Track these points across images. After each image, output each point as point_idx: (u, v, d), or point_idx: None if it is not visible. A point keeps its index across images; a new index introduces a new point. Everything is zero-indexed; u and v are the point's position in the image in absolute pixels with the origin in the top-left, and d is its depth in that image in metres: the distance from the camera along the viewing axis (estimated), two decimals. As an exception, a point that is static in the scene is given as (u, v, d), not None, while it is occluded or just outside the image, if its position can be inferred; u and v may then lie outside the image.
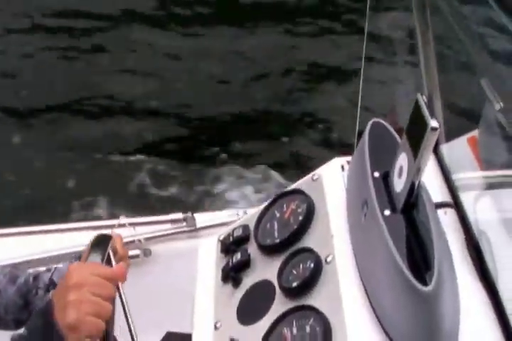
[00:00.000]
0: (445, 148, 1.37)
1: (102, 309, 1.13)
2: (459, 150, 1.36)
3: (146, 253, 2.02)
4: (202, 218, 2.03)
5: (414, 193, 1.11)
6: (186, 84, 4.18)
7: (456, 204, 1.25)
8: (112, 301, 1.19)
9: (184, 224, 2.02)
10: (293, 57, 4.37)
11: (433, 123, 1.05)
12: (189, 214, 2.02)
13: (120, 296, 1.35)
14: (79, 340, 1.12)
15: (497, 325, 1.07)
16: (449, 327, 1.02)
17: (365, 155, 1.21)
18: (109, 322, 1.21)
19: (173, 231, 2.02)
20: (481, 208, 1.27)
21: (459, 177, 1.31)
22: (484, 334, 1.06)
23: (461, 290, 1.08)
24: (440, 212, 1.22)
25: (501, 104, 1.21)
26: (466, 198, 1.27)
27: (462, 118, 1.45)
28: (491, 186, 1.36)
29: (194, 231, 2.00)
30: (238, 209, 2.02)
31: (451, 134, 1.41)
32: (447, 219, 1.22)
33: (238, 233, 1.39)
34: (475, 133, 1.39)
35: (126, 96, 4.16)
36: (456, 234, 1.20)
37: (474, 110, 1.38)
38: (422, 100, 1.10)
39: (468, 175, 1.34)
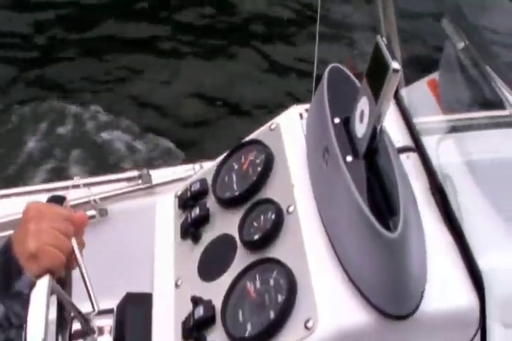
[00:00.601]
0: (405, 92, 1.32)
1: (61, 243, 1.14)
2: (419, 93, 1.32)
3: (102, 213, 1.97)
4: (158, 174, 1.98)
5: (377, 138, 1.07)
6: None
7: (419, 148, 1.21)
8: (71, 246, 1.17)
9: (140, 181, 1.96)
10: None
11: (394, 65, 1.01)
12: (144, 170, 1.96)
13: (76, 257, 1.32)
14: (39, 272, 1.09)
15: (463, 266, 1.05)
16: (417, 271, 1.00)
17: (324, 100, 1.17)
18: (69, 262, 1.20)
19: (128, 189, 1.97)
20: (444, 151, 1.24)
21: (420, 120, 1.27)
22: (451, 276, 1.04)
23: (427, 234, 1.05)
24: (402, 156, 1.18)
25: (466, 41, 1.17)
26: (428, 142, 1.23)
27: (421, 61, 1.41)
28: (452, 129, 1.33)
29: (150, 188, 1.95)
30: (194, 163, 1.97)
31: (410, 78, 1.36)
32: (410, 163, 1.18)
33: (196, 187, 1.34)
34: (435, 76, 1.35)
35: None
36: (419, 178, 1.17)
37: (433, 53, 1.34)
38: (382, 42, 1.05)
39: (430, 118, 1.30)
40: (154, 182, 1.96)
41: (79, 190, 1.95)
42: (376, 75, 1.05)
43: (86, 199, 1.95)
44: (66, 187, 1.96)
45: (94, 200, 1.95)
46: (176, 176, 1.97)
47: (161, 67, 4.10)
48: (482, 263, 1.05)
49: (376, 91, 1.04)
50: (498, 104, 1.18)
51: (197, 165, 1.97)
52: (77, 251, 1.30)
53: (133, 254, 1.84)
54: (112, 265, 1.88)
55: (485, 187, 1.19)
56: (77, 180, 1.96)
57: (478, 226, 1.12)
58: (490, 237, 1.13)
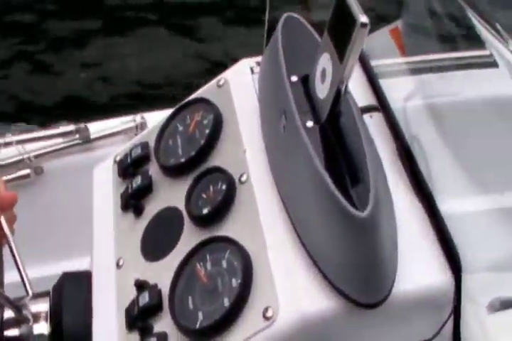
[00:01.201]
0: (366, 42, 1.18)
1: None
2: (381, 42, 1.19)
3: (38, 171, 1.85)
4: (96, 127, 1.84)
5: (341, 100, 0.93)
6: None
7: (383, 107, 1.08)
8: None
9: (77, 136, 1.83)
10: None
11: (362, 18, 0.87)
12: (81, 124, 1.83)
13: (6, 236, 1.20)
14: None
15: (436, 241, 0.94)
16: (389, 254, 0.88)
17: (278, 55, 1.02)
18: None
19: (65, 145, 1.84)
20: (412, 109, 1.11)
21: (384, 75, 1.14)
22: (424, 255, 0.93)
23: (396, 206, 0.94)
24: (365, 116, 1.05)
25: None
26: (394, 99, 1.10)
27: (381, 8, 1.27)
28: (418, 79, 1.21)
29: (88, 142, 1.82)
30: (135, 115, 1.82)
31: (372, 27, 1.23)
32: (373, 123, 1.05)
33: (136, 152, 1.19)
34: (398, 23, 1.21)
35: None
36: (384, 141, 1.04)
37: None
38: None
39: (395, 71, 1.17)
40: (92, 136, 1.84)
41: (11, 147, 1.82)
42: (340, 30, 0.91)
43: (19, 158, 1.83)
44: (-4, 146, 1.82)
45: (29, 158, 1.84)
46: (116, 129, 1.84)
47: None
48: (457, 237, 0.94)
49: (340, 49, 0.91)
50: (475, 43, 1.07)
51: (138, 117, 1.84)
52: (6, 228, 1.18)
53: (71, 218, 1.72)
54: (49, 231, 1.76)
55: (458, 143, 1.08)
56: (9, 137, 1.81)
57: (453, 193, 1.01)
58: (465, 206, 1.01)
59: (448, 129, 1.14)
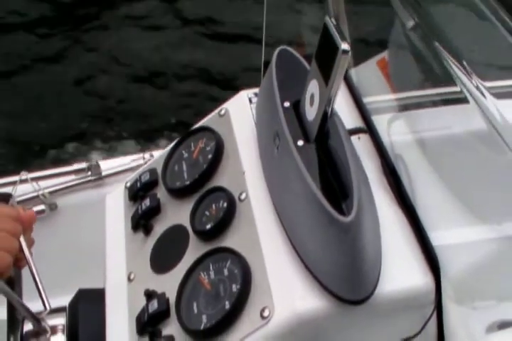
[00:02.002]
0: (354, 73, 1.30)
1: (8, 242, 1.11)
2: (368, 73, 1.30)
3: (52, 207, 1.93)
4: (107, 165, 1.94)
5: (328, 121, 1.04)
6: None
7: (370, 129, 1.19)
8: (18, 246, 1.14)
9: (89, 173, 1.92)
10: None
11: (344, 46, 0.98)
12: (93, 162, 1.92)
13: (25, 255, 1.28)
14: None
15: (418, 247, 1.04)
16: (372, 256, 0.98)
17: (273, 84, 1.14)
18: (18, 261, 1.17)
19: (78, 181, 1.93)
20: (395, 130, 1.22)
21: (370, 101, 1.25)
22: (406, 258, 1.03)
23: (381, 216, 1.04)
24: (353, 138, 1.16)
25: (415, 19, 1.15)
26: (379, 122, 1.21)
27: (370, 41, 1.38)
28: (403, 107, 1.32)
29: (100, 179, 1.91)
30: (144, 153, 1.93)
31: (359, 59, 1.34)
32: (361, 144, 1.16)
33: (145, 178, 1.30)
34: (384, 55, 1.33)
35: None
36: (371, 160, 1.15)
37: (383, 32, 1.31)
38: (331, 23, 1.03)
39: (380, 98, 1.28)
40: (104, 173, 1.93)
41: (26, 184, 1.91)
42: (325, 57, 1.03)
43: (34, 194, 1.91)
44: (13, 183, 1.91)
45: (43, 195, 1.91)
46: (126, 166, 1.93)
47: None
48: (436, 242, 1.04)
49: (326, 74, 1.02)
50: (448, 80, 1.17)
51: (147, 155, 1.94)
52: (25, 250, 1.27)
53: (85, 248, 1.81)
54: (64, 260, 1.85)
55: (437, 164, 1.18)
56: (24, 175, 1.91)
57: (432, 205, 1.11)
58: (443, 216, 1.11)
59: (427, 153, 1.24)
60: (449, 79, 1.14)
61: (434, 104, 1.26)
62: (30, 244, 1.30)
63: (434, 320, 1.04)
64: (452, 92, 1.19)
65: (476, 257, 1.09)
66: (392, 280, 0.99)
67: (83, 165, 1.93)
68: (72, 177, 1.93)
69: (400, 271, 1.01)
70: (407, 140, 1.20)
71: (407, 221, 1.07)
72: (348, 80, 1.30)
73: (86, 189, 1.94)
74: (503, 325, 1.13)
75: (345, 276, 0.96)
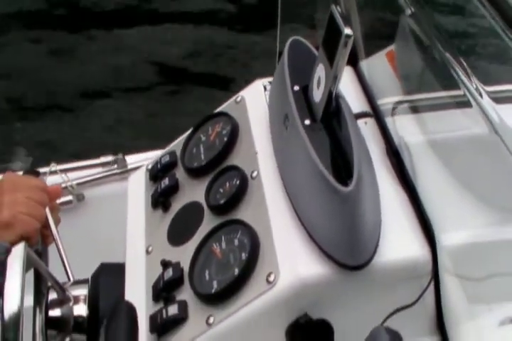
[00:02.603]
0: (365, 64, 1.38)
1: (36, 210, 1.20)
2: (377, 64, 1.38)
3: (79, 198, 2.02)
4: (133, 159, 2.03)
5: (333, 101, 1.12)
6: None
7: (377, 115, 1.27)
8: (45, 214, 1.24)
9: (115, 166, 2.01)
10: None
11: (347, 30, 1.07)
12: (120, 156, 2.01)
13: (52, 231, 1.36)
14: (14, 240, 1.15)
15: (416, 220, 1.10)
16: (371, 224, 1.05)
17: (284, 71, 1.22)
18: (45, 237, 1.28)
19: (104, 174, 2.02)
20: (400, 121, 1.29)
21: (378, 90, 1.33)
22: (404, 229, 1.09)
23: (382, 191, 1.11)
24: (361, 122, 1.24)
25: (411, 8, 1.22)
26: (386, 110, 1.29)
27: (383, 32, 1.45)
28: (408, 102, 1.38)
29: (125, 172, 2.00)
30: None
31: (372, 50, 1.42)
32: (367, 128, 1.24)
33: (165, 160, 1.39)
34: (393, 47, 1.40)
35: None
36: (376, 143, 1.22)
37: (395, 24, 1.38)
38: (336, 11, 1.11)
39: (387, 89, 1.36)
40: (129, 166, 2.01)
41: (56, 175, 2.00)
42: (331, 42, 1.11)
43: (63, 185, 1.99)
44: (43, 174, 2.00)
45: (71, 186, 2.00)
46: (151, 160, 2.01)
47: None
48: (434, 218, 1.10)
49: (331, 58, 1.10)
50: (452, 81, 1.22)
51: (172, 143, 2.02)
52: (52, 226, 1.35)
53: (109, 238, 1.89)
54: (89, 247, 1.93)
55: (439, 151, 1.24)
56: (53, 166, 2.00)
57: (432, 186, 1.17)
58: (443, 197, 1.18)
59: (430, 141, 1.30)
60: (452, 82, 1.19)
61: (440, 105, 1.32)
62: (57, 222, 1.39)
63: (432, 292, 1.10)
64: (456, 96, 1.24)
65: (473, 233, 1.16)
66: (390, 250, 1.06)
67: (109, 158, 2.02)
68: (99, 169, 2.03)
69: (398, 241, 1.08)
70: (411, 133, 1.27)
71: (407, 198, 1.14)
72: (358, 71, 1.38)
73: (112, 181, 2.03)
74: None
75: (345, 243, 1.04)
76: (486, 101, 1.15)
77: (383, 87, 1.34)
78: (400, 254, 1.07)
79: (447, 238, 1.11)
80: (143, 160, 2.02)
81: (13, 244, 1.15)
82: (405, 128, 1.26)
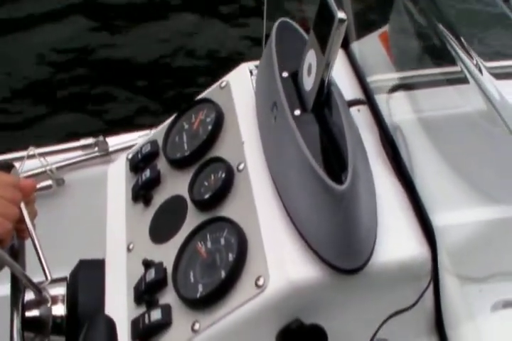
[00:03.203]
0: (356, 46, 1.29)
1: (8, 209, 1.11)
2: (370, 47, 1.29)
3: (59, 182, 1.95)
4: (114, 141, 1.95)
5: (325, 90, 1.04)
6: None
7: (370, 101, 1.18)
8: (18, 213, 1.16)
9: (96, 149, 1.93)
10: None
11: (340, 14, 0.98)
12: (100, 138, 1.93)
13: (27, 226, 1.29)
14: None
15: (415, 218, 1.03)
16: (366, 225, 0.97)
17: (272, 55, 1.13)
18: (21, 232, 1.20)
19: (85, 157, 1.94)
20: (394, 105, 1.21)
21: (371, 74, 1.24)
22: (402, 228, 1.02)
23: (378, 187, 1.03)
24: (353, 109, 1.16)
25: None
26: (379, 96, 1.20)
27: (375, 13, 1.37)
28: (403, 82, 1.30)
29: (107, 155, 1.92)
30: (151, 129, 1.93)
31: (364, 31, 1.34)
32: (361, 116, 1.16)
33: (146, 149, 1.30)
34: (387, 28, 1.32)
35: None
36: (370, 132, 1.14)
37: (387, 5, 1.30)
38: None
39: (380, 72, 1.27)
40: (111, 149, 1.94)
41: (34, 159, 1.92)
42: (323, 27, 1.02)
43: (42, 169, 1.92)
44: (21, 158, 1.93)
45: (51, 170, 1.93)
46: (133, 142, 1.93)
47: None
48: (433, 214, 1.03)
49: (323, 43, 1.02)
50: (448, 58, 1.15)
51: (154, 131, 1.94)
52: (28, 220, 1.28)
53: (90, 223, 1.82)
54: (70, 234, 1.86)
55: (436, 139, 1.17)
56: (31, 150, 1.92)
57: (428, 178, 1.10)
58: (441, 188, 1.10)
59: (426, 128, 1.23)
60: (449, 58, 1.12)
61: (436, 83, 1.24)
62: (33, 215, 1.31)
63: (431, 294, 1.04)
64: (452, 72, 1.17)
65: (474, 230, 1.09)
66: (387, 251, 0.99)
67: (90, 140, 1.94)
68: (79, 152, 1.95)
69: (396, 241, 1.00)
70: (407, 114, 1.20)
71: (404, 192, 1.06)
72: (349, 53, 1.29)
73: (93, 165, 1.95)
74: (507, 304, 1.12)
75: (339, 245, 0.96)
76: (486, 77, 1.07)
77: (376, 70, 1.26)
78: (396, 255, 1.00)
79: (448, 235, 1.04)
80: (125, 142, 1.96)
81: None
82: (400, 113, 1.19)
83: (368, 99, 1.20)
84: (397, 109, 1.21)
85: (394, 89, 1.25)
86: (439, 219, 1.04)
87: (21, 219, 1.26)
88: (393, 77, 1.27)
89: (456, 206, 1.11)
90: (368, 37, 1.31)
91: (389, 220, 1.02)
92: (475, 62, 1.08)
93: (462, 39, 1.12)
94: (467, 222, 1.08)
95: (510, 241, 1.08)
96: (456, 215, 1.08)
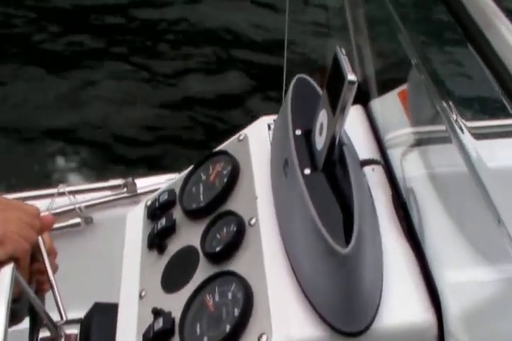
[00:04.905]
0: (376, 103, 1.31)
1: (26, 231, 1.14)
2: (389, 104, 1.30)
3: (88, 221, 1.99)
4: (143, 183, 1.98)
5: (335, 150, 1.06)
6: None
7: (385, 161, 1.20)
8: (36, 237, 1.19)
9: (125, 189, 1.97)
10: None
11: (350, 76, 0.99)
12: (129, 179, 1.97)
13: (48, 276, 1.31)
14: (3, 256, 1.11)
15: (422, 283, 1.03)
16: (370, 289, 0.98)
17: (287, 112, 1.16)
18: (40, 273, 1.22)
19: (113, 197, 1.98)
20: (410, 165, 1.22)
21: (388, 132, 1.26)
22: (408, 293, 1.02)
23: (386, 249, 1.04)
24: (368, 169, 1.17)
25: (415, 59, 1.15)
26: (395, 155, 1.21)
27: (397, 71, 1.39)
28: (419, 142, 1.31)
29: (135, 196, 1.96)
30: (180, 173, 1.96)
31: (385, 88, 1.35)
32: (375, 175, 1.17)
33: (164, 198, 1.33)
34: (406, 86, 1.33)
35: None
36: (383, 192, 1.15)
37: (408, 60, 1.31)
38: (341, 53, 1.04)
39: (398, 131, 1.28)
40: (139, 191, 1.97)
41: (64, 197, 1.96)
42: (334, 87, 1.04)
43: (71, 207, 1.96)
44: (51, 195, 1.97)
45: (79, 208, 1.97)
46: (160, 185, 1.96)
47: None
48: (441, 279, 1.03)
49: (334, 103, 1.03)
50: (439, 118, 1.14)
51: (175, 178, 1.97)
52: (49, 270, 1.29)
53: (113, 263, 1.84)
54: (93, 272, 1.89)
55: (447, 201, 1.16)
56: (62, 188, 1.97)
57: (439, 242, 1.10)
58: (450, 253, 1.10)
59: (438, 189, 1.22)
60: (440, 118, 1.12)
61: (446, 140, 1.24)
62: (54, 268, 1.31)
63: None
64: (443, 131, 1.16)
65: (481, 297, 1.08)
66: (391, 314, 0.99)
67: (119, 181, 1.98)
68: (108, 192, 1.99)
69: (400, 305, 1.00)
70: (420, 174, 1.20)
71: (413, 255, 1.07)
72: (368, 110, 1.31)
73: (121, 205, 1.98)
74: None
75: (341, 308, 0.97)
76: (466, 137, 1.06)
77: (393, 128, 1.27)
78: (400, 319, 0.99)
79: (455, 301, 1.03)
80: (153, 184, 1.99)
81: (2, 263, 1.11)
82: (414, 170, 1.19)
83: (383, 158, 1.21)
84: (412, 167, 1.21)
85: (409, 147, 1.26)
86: (446, 282, 1.04)
87: (42, 271, 1.27)
88: (409, 135, 1.27)
89: (466, 272, 1.10)
90: (388, 94, 1.32)
91: (395, 283, 1.02)
92: (456, 121, 1.08)
93: (448, 99, 1.11)
94: (476, 289, 1.07)
95: None
96: (465, 281, 1.07)
